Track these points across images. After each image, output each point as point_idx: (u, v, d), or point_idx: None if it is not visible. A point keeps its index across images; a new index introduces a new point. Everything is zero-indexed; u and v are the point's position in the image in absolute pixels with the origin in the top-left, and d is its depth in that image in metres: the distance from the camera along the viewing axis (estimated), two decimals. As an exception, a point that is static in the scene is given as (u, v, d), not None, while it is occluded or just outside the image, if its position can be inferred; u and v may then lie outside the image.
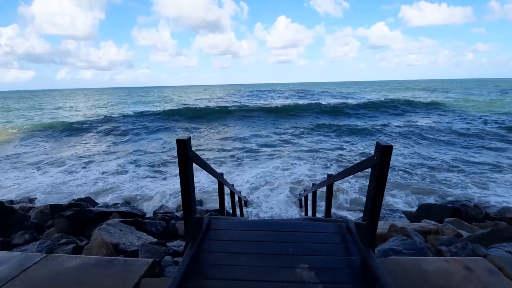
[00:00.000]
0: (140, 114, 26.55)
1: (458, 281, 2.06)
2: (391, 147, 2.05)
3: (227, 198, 5.78)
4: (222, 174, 4.15)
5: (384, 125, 20.05)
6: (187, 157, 2.28)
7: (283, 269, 2.07)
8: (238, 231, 2.66)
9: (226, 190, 4.68)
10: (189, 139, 2.32)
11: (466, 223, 4.75)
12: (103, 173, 10.45)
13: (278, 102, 39.59)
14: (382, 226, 4.05)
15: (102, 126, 21.61)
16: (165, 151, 14.12)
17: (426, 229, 3.84)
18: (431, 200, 7.49)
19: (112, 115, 26.49)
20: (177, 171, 2.37)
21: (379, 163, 2.07)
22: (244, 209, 7.08)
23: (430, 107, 30.24)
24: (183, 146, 2.25)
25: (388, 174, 2.18)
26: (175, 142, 2.27)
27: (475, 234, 3.16)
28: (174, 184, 8.95)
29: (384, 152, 2.03)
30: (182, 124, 23.13)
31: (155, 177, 9.99)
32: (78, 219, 4.64)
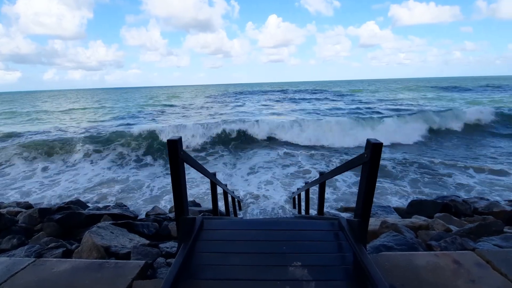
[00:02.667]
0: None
1: (448, 275, 2.10)
2: (381, 145, 2.07)
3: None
4: (214, 174, 4.13)
5: None
6: (178, 157, 2.26)
7: (276, 268, 2.07)
8: (231, 231, 2.65)
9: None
10: (180, 139, 2.29)
11: (455, 218, 4.84)
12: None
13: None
14: (373, 223, 4.10)
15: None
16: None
17: (416, 225, 3.90)
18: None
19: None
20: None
21: (369, 161, 2.09)
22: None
23: None
24: (174, 146, 2.22)
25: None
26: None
27: (464, 229, 3.23)
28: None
29: (374, 150, 2.05)
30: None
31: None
32: (68, 222, 4.55)
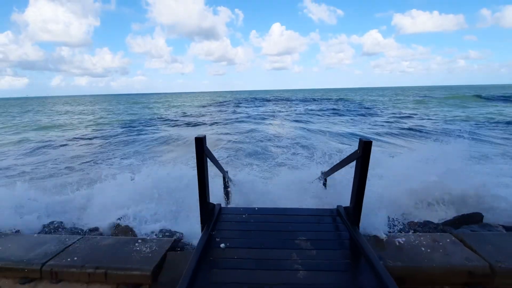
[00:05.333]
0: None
1: (426, 250, 2.54)
2: (370, 142, 2.55)
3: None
4: (227, 172, 4.62)
5: None
6: (203, 152, 2.74)
7: (284, 241, 2.53)
8: (245, 215, 3.12)
9: None
10: (204, 137, 2.79)
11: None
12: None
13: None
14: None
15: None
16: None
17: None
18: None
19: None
20: None
21: (361, 156, 2.57)
22: None
23: None
24: (200, 143, 2.70)
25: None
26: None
27: (448, 219, 3.66)
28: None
29: (365, 147, 2.53)
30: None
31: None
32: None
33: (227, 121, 26.23)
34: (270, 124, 23.47)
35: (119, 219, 3.70)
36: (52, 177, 9.33)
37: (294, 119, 25.55)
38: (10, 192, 4.50)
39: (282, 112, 32.54)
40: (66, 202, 4.79)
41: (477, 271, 2.28)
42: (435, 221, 3.52)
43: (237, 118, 28.11)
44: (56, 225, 3.86)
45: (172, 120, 27.63)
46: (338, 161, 3.61)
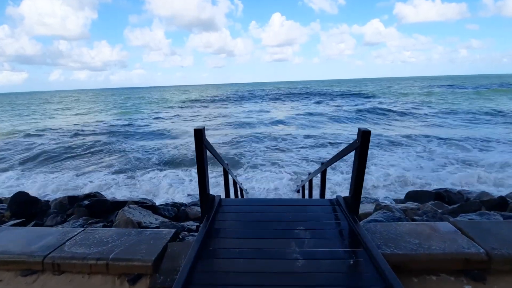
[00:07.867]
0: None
1: (424, 237, 2.56)
2: (369, 132, 2.55)
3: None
4: (227, 164, 4.63)
5: None
6: (202, 143, 2.74)
7: (284, 231, 2.56)
8: (244, 206, 3.15)
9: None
10: (203, 128, 2.79)
11: (446, 205, 5.28)
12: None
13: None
14: (369, 207, 4.57)
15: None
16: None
17: (408, 208, 4.36)
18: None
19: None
20: None
21: (360, 146, 2.57)
22: None
23: None
24: (199, 134, 2.71)
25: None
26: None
27: (447, 208, 3.68)
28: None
29: (364, 137, 2.53)
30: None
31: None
32: (95, 208, 5.07)
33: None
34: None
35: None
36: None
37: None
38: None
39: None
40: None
41: (474, 258, 2.29)
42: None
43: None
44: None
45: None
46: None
